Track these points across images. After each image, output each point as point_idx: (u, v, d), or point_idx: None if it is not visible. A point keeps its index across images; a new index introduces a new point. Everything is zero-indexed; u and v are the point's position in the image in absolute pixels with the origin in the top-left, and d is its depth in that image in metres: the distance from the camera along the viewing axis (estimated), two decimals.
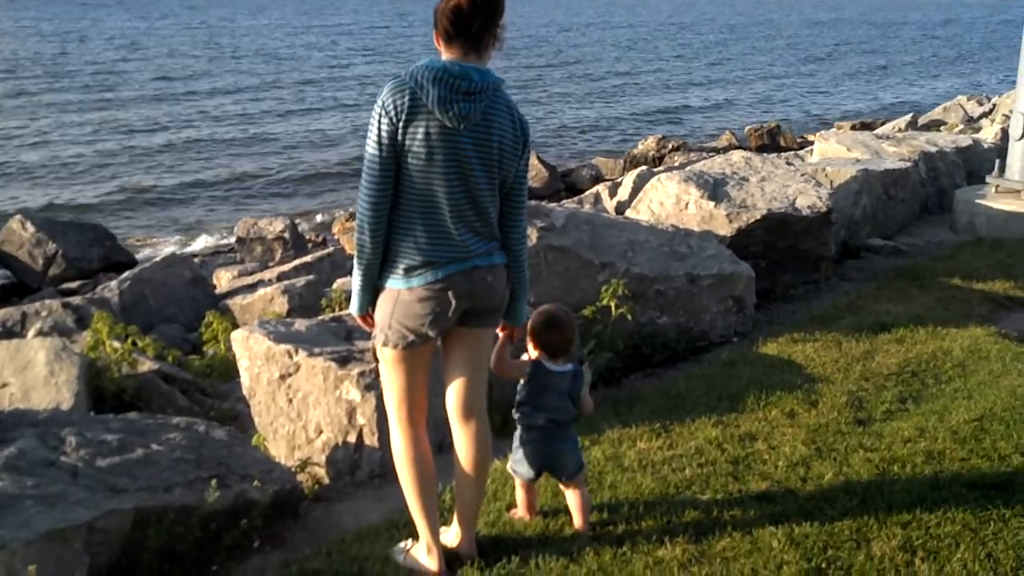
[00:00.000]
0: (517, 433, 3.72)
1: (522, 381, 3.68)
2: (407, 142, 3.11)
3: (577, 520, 3.72)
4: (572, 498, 3.73)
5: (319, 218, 17.75)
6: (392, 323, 3.25)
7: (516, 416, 3.71)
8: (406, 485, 3.42)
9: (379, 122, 3.12)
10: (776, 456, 4.34)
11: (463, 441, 3.44)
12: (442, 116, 3.08)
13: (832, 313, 6.91)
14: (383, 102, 3.12)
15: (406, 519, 3.62)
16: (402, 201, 3.18)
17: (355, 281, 3.32)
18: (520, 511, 3.83)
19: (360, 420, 4.55)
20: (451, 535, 3.55)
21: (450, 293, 3.21)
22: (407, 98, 3.09)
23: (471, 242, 3.23)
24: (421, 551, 3.47)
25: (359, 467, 4.56)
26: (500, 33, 3.18)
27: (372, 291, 3.32)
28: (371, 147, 3.14)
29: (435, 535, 3.44)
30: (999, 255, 8.61)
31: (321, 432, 4.69)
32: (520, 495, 3.82)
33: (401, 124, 3.09)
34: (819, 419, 4.81)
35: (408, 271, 3.20)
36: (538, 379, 3.64)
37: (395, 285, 3.24)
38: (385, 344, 3.29)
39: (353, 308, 3.39)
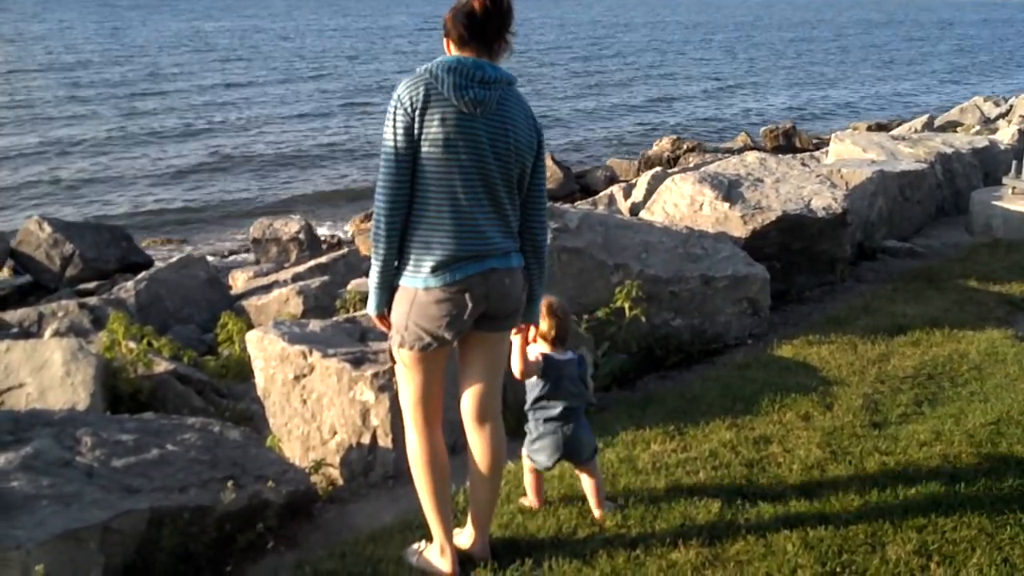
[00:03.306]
0: (531, 425, 3.79)
1: (535, 379, 3.72)
2: (423, 132, 3.11)
3: (594, 506, 3.84)
4: (587, 482, 3.85)
5: (334, 219, 17.78)
6: (409, 324, 3.24)
7: (531, 412, 3.77)
8: (420, 486, 3.43)
9: (394, 116, 3.13)
10: (791, 459, 4.33)
11: (478, 445, 3.44)
12: (458, 102, 3.10)
13: (847, 315, 6.88)
14: (398, 96, 3.14)
15: (420, 520, 3.63)
16: (420, 196, 3.17)
17: (372, 279, 3.31)
18: (529, 498, 3.92)
19: (374, 421, 4.56)
20: (464, 537, 3.56)
21: (467, 295, 3.19)
22: (422, 90, 3.12)
23: (491, 234, 3.21)
24: (434, 552, 3.47)
25: (373, 468, 4.57)
26: (510, 39, 3.23)
27: (389, 290, 3.30)
28: (387, 141, 3.14)
29: (448, 536, 3.44)
30: (1016, 257, 8.55)
31: (335, 433, 4.69)
32: (529, 480, 3.90)
33: (417, 114, 3.11)
34: (834, 422, 4.79)
35: (425, 269, 3.18)
36: (551, 371, 3.71)
37: (412, 284, 3.21)
38: (402, 345, 3.28)
39: (370, 308, 3.38)
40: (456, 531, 3.57)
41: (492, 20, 3.15)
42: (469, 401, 3.43)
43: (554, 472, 4.11)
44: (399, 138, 3.12)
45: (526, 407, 3.80)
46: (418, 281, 3.20)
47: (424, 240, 3.18)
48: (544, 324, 3.69)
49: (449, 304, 3.19)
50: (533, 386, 3.74)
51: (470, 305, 3.20)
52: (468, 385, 3.44)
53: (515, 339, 3.57)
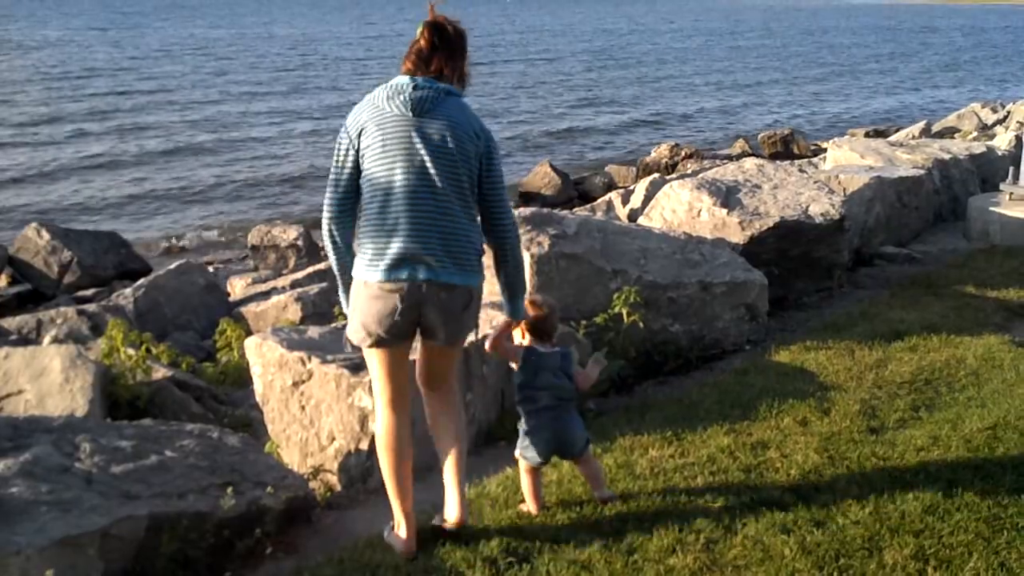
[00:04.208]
0: (522, 421, 3.89)
1: (515, 367, 3.87)
2: (364, 142, 3.44)
3: (595, 491, 3.95)
4: (586, 472, 3.97)
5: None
6: (353, 314, 3.54)
7: (519, 402, 3.88)
8: (383, 464, 3.67)
9: (339, 139, 3.51)
10: (788, 464, 4.34)
11: (433, 404, 3.74)
12: (391, 107, 3.42)
13: (845, 321, 6.89)
14: (345, 123, 3.52)
15: (417, 527, 3.70)
16: (367, 197, 3.46)
17: (338, 283, 3.65)
18: (528, 503, 3.94)
19: (372, 427, 4.56)
20: (448, 508, 3.71)
21: (399, 297, 3.41)
22: (363, 111, 3.49)
23: (429, 238, 3.39)
24: (396, 526, 3.69)
25: (371, 474, 4.57)
26: (463, 70, 3.56)
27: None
28: (333, 162, 3.52)
29: (405, 510, 3.65)
30: (1013, 263, 8.57)
31: (333, 439, 4.70)
32: (526, 483, 3.93)
33: (357, 132, 3.46)
34: (832, 427, 4.80)
35: (366, 265, 3.45)
36: (530, 362, 3.84)
37: (359, 277, 3.50)
38: (350, 333, 3.60)
39: (344, 307, 3.67)
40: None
41: (438, 52, 3.48)
42: (423, 377, 3.76)
43: (552, 477, 4.13)
44: (340, 158, 3.49)
45: (515, 399, 3.91)
46: (361, 274, 3.48)
47: (368, 238, 3.46)
48: (529, 319, 3.84)
49: (382, 302, 3.43)
50: (516, 376, 3.88)
51: (400, 307, 3.42)
52: (422, 369, 3.76)
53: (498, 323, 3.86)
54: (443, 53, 3.48)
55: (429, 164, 3.38)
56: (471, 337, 3.80)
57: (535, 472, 3.92)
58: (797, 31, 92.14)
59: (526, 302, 3.81)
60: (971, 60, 60.51)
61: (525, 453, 3.87)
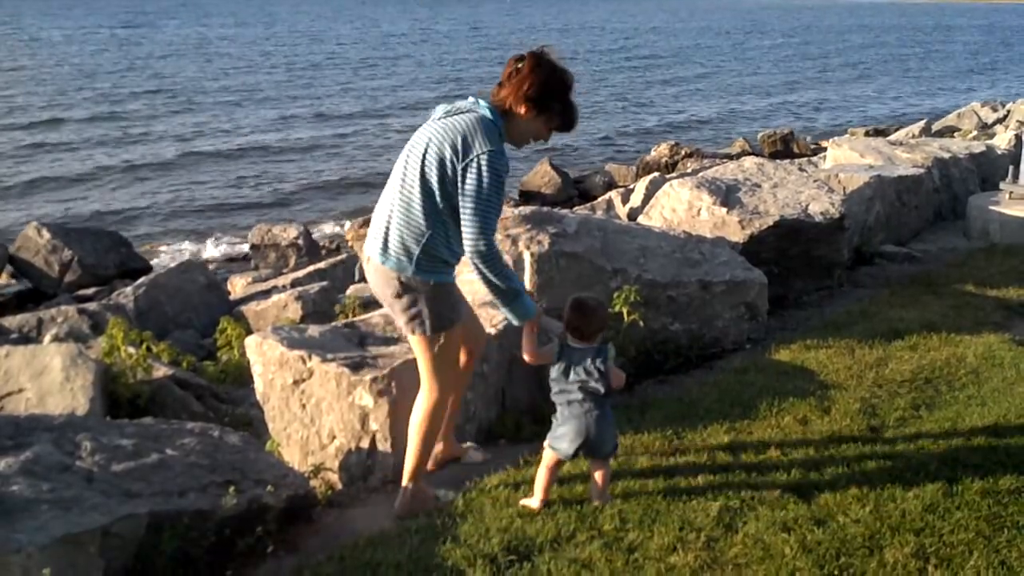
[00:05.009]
0: (556, 413, 3.91)
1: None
2: None
3: (595, 496, 3.95)
4: (597, 475, 3.96)
5: (333, 225, 17.80)
6: None
7: (553, 395, 3.90)
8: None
9: None
10: (788, 463, 4.33)
11: None
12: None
13: (845, 320, 6.89)
14: None
15: (418, 525, 3.75)
16: None
17: None
18: (536, 495, 3.94)
19: (373, 426, 4.57)
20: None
21: (363, 267, 4.14)
22: None
23: (387, 224, 3.80)
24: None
25: (372, 472, 4.57)
26: (534, 103, 3.79)
27: None
28: None
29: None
30: (1013, 261, 8.57)
31: (334, 438, 4.70)
32: (542, 475, 3.94)
33: None
34: (832, 426, 4.80)
35: None
36: (563, 356, 3.86)
37: None
38: None
39: None
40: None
41: (509, 82, 3.81)
42: None
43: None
44: None
45: (551, 394, 3.92)
46: None
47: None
48: (569, 317, 3.88)
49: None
50: (551, 370, 3.91)
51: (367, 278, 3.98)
52: None
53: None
54: (512, 83, 3.80)
55: (405, 162, 3.80)
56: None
57: (557, 465, 3.93)
58: (802, 30, 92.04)
59: (568, 304, 3.89)
60: (985, 62, 60.20)
61: (555, 444, 3.88)
